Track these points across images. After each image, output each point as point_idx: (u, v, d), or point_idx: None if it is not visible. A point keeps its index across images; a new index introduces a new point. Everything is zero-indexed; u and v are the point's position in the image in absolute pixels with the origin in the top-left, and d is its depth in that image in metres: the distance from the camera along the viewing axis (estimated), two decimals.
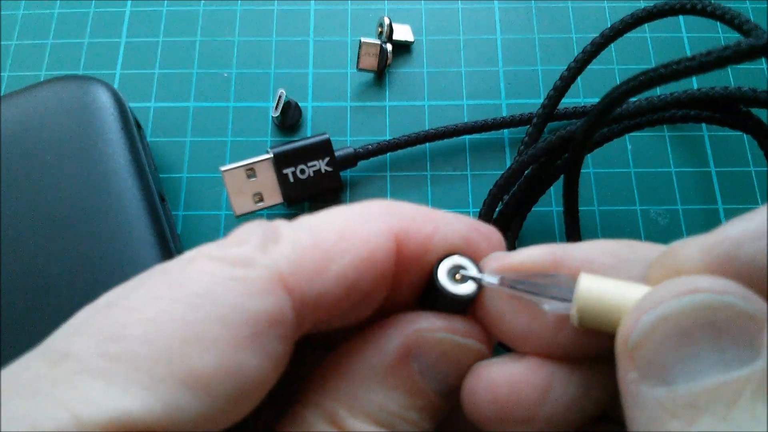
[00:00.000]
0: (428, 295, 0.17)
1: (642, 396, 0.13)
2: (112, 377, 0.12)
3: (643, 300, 0.13)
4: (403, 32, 0.39)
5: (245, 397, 0.14)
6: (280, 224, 0.16)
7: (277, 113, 0.36)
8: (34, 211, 0.29)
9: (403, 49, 0.39)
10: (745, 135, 0.36)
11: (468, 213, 0.35)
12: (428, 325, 0.16)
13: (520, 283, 0.15)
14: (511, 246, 0.32)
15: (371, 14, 0.40)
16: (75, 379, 0.12)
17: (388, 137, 0.36)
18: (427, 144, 0.36)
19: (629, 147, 0.36)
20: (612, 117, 0.29)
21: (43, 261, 0.28)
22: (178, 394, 0.13)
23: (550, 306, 0.15)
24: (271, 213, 0.35)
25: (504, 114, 0.37)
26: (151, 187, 0.30)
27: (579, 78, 0.33)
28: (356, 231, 0.16)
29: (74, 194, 0.29)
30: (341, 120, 0.37)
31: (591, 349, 0.16)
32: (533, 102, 0.37)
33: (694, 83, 0.37)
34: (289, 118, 0.36)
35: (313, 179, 0.34)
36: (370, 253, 0.15)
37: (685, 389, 0.12)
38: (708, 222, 0.35)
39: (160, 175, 0.36)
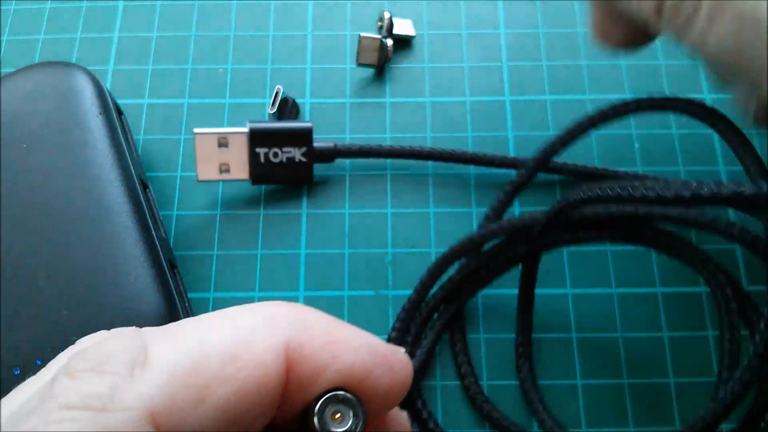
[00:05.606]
0: (307, 424, 0.15)
1: None
2: None
3: None
4: (404, 26, 0.38)
5: None
6: (152, 338, 0.14)
7: (274, 110, 0.35)
8: (9, 199, 0.28)
9: (404, 43, 0.38)
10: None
11: (470, 213, 0.34)
12: None
13: None
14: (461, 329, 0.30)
15: (371, 8, 0.39)
16: None
17: (388, 134, 0.35)
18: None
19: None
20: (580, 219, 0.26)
21: (21, 248, 0.28)
22: None
23: None
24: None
25: (508, 111, 0.36)
26: (132, 172, 0.30)
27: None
28: (247, 350, 0.14)
29: (51, 181, 0.29)
30: (340, 117, 0.36)
31: None
32: (538, 98, 0.36)
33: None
34: (287, 115, 0.36)
35: (284, 165, 0.33)
36: (259, 380, 0.13)
37: None
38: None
39: (153, 174, 0.35)
